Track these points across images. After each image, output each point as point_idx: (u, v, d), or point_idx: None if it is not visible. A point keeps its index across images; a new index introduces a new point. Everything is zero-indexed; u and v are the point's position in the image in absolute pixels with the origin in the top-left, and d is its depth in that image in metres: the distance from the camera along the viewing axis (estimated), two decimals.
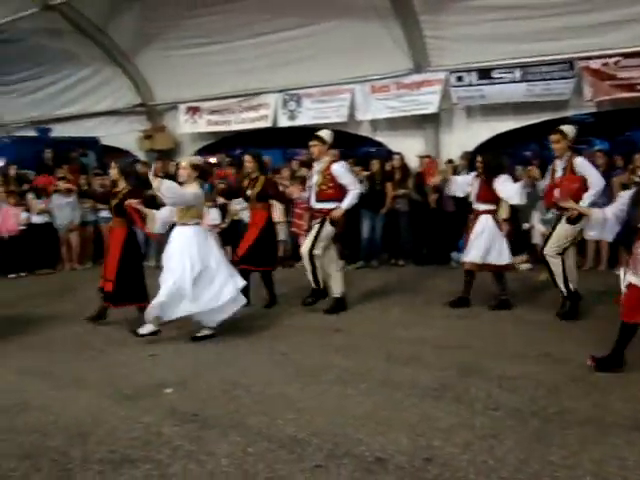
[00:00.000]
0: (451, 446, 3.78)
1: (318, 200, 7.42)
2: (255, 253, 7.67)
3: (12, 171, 12.12)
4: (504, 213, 8.28)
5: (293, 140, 14.29)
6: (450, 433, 3.97)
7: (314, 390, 4.84)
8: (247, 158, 8.03)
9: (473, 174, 7.67)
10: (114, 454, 3.88)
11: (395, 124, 11.57)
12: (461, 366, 5.31)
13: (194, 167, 6.52)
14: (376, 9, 10.22)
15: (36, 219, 11.44)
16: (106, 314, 7.24)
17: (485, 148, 10.76)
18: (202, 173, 6.68)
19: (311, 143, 7.51)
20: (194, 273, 6.18)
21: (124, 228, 7.08)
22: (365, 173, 10.99)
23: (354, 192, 7.44)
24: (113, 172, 7.26)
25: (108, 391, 5.01)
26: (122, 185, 7.17)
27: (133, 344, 6.36)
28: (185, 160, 6.88)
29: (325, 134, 7.57)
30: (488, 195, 7.31)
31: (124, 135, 15.00)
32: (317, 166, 7.52)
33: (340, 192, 7.36)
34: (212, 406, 4.59)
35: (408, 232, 10.56)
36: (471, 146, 10.77)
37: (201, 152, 14.19)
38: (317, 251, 7.33)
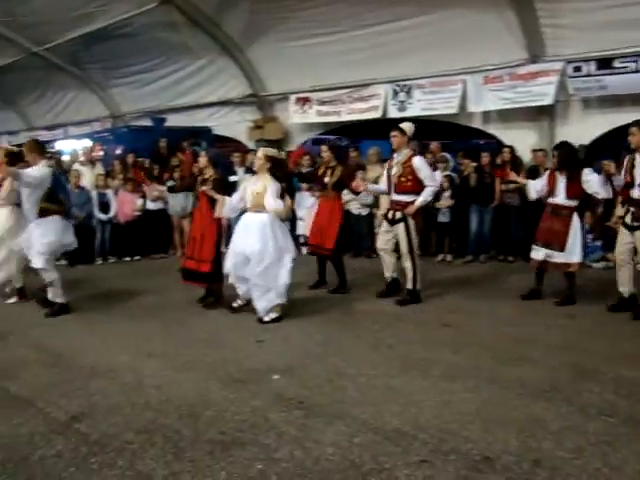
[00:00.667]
0: (562, 450, 3.67)
1: (397, 192, 7.46)
2: (341, 240, 7.99)
3: (130, 159, 12.63)
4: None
5: None
6: (561, 436, 3.85)
7: (420, 384, 4.80)
8: (323, 148, 8.40)
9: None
10: (223, 435, 4.00)
11: (508, 116, 11.23)
12: (573, 367, 5.13)
13: (268, 158, 6.83)
14: None
15: (151, 205, 11.92)
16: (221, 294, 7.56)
17: (601, 141, 10.34)
18: (275, 164, 6.90)
19: (392, 133, 7.50)
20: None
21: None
22: (473, 164, 10.80)
23: (430, 188, 7.48)
24: (202, 160, 7.57)
25: (218, 374, 5.16)
26: (210, 172, 7.48)
27: (241, 329, 6.54)
28: (261, 150, 7.09)
29: (406, 126, 7.56)
30: (574, 190, 7.13)
31: (235, 125, 15.30)
32: (397, 157, 7.53)
33: (419, 185, 7.39)
34: (318, 394, 4.63)
35: (518, 227, 10.25)
36: (587, 139, 10.32)
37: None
38: (403, 249, 7.46)
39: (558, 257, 7.19)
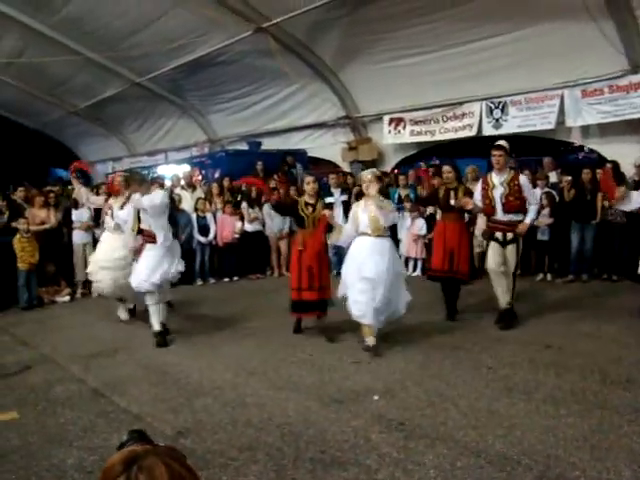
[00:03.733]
0: None
1: (506, 212, 7.24)
2: (471, 265, 7.88)
3: (226, 182, 12.97)
4: None
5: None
6: None
7: (524, 407, 4.69)
8: (446, 169, 8.01)
9: None
10: (324, 455, 4.04)
11: (608, 129, 10.86)
12: None
13: (377, 179, 6.80)
14: (587, 9, 9.66)
15: (249, 227, 12.18)
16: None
17: None
18: (383, 184, 7.03)
19: (497, 152, 7.28)
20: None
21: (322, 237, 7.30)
22: (567, 178, 10.52)
23: (535, 207, 7.39)
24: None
25: (318, 394, 5.22)
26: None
27: (337, 351, 6.59)
28: (370, 173, 6.94)
29: (506, 144, 7.39)
30: None
31: (329, 147, 15.55)
32: (499, 176, 7.30)
33: (524, 204, 7.24)
34: (419, 416, 4.60)
35: (623, 245, 9.85)
36: None
37: (403, 163, 14.35)
38: (511, 269, 7.27)
39: None
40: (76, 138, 23.72)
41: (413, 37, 11.89)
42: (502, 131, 11.90)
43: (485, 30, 11.06)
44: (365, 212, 6.71)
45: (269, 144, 16.34)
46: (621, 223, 9.87)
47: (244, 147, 16.57)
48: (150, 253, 7.16)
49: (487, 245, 7.53)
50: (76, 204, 10.63)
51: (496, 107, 12.04)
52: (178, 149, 19.64)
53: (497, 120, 12.05)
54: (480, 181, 7.75)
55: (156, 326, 7.19)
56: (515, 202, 7.20)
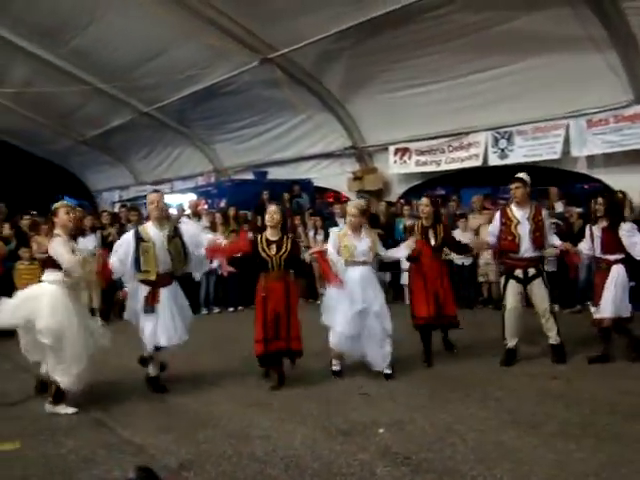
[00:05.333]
0: None
1: (535, 248, 7.05)
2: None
3: (231, 211, 12.98)
4: None
5: (502, 179, 13.92)
6: None
7: (532, 441, 4.60)
8: (424, 201, 7.53)
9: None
10: None
11: (614, 159, 10.87)
12: None
13: (362, 212, 6.72)
14: (591, 39, 9.72)
15: None
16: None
17: None
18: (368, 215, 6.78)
19: (515, 185, 7.08)
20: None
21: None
22: (577, 210, 10.49)
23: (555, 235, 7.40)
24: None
25: (324, 426, 5.14)
26: None
27: (345, 383, 6.53)
28: (354, 206, 6.79)
29: (526, 176, 7.18)
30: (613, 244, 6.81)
31: (335, 176, 15.59)
32: (522, 211, 7.07)
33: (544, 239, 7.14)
34: (425, 450, 4.52)
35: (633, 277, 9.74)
36: None
37: (409, 193, 14.35)
38: (545, 304, 7.11)
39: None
40: (83, 166, 23.97)
41: (419, 68, 11.98)
42: (508, 161, 11.94)
43: (491, 61, 11.14)
44: (351, 243, 6.63)
45: (275, 174, 16.42)
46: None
47: (250, 177, 16.62)
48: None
49: (505, 284, 7.22)
50: (83, 231, 10.61)
51: (502, 137, 12.07)
52: (184, 178, 19.76)
53: (503, 150, 12.07)
54: (498, 215, 7.37)
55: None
56: (541, 238, 7.03)
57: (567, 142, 11.18)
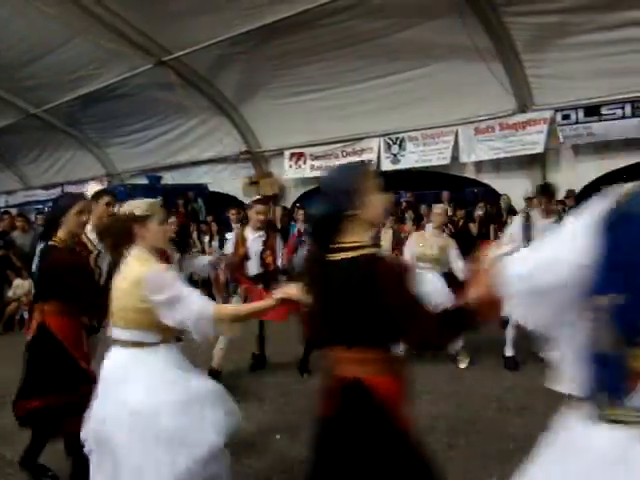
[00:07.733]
0: None
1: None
2: None
3: None
4: None
5: (397, 183, 14.23)
6: None
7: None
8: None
9: None
10: None
11: (500, 165, 11.38)
12: None
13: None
14: (478, 50, 10.09)
15: None
16: None
17: (593, 187, 10.42)
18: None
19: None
20: None
21: None
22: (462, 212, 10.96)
23: None
24: None
25: None
26: None
27: None
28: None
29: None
30: None
31: (231, 181, 15.51)
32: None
33: None
34: None
35: None
36: (579, 186, 10.45)
37: (304, 197, 14.45)
38: None
39: None
40: None
41: (312, 74, 12.08)
42: (400, 166, 12.25)
43: (384, 68, 11.35)
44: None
45: (170, 178, 16.15)
46: None
47: (144, 181, 16.28)
48: None
49: None
50: None
51: (394, 143, 12.37)
52: (75, 183, 19.07)
53: (395, 155, 12.38)
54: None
55: None
56: None
57: (456, 148, 11.61)
